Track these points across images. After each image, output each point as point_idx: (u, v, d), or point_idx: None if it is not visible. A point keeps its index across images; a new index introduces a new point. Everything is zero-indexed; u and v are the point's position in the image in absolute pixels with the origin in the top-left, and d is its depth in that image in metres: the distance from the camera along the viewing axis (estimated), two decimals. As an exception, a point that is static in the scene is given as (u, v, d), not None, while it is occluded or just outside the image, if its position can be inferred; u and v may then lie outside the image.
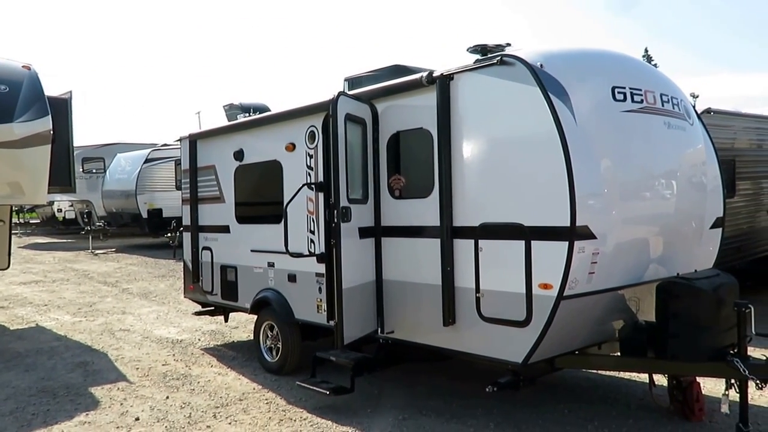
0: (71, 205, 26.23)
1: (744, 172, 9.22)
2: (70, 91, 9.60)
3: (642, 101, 4.83)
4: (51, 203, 25.80)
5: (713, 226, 5.59)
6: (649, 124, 4.90)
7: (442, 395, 5.80)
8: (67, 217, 26.91)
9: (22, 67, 8.67)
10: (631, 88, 4.78)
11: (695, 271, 4.97)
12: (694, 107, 5.80)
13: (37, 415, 5.70)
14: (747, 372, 4.27)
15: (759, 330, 4.52)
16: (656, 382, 5.25)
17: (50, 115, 8.45)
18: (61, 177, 9.22)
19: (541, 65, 4.45)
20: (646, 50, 50.17)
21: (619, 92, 4.72)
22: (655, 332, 4.65)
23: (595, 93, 4.65)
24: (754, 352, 4.61)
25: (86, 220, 24.55)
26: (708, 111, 8.15)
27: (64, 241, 25.35)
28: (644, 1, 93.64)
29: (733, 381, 4.46)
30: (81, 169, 23.52)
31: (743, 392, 4.42)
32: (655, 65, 38.70)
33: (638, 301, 4.95)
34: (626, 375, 6.18)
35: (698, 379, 5.06)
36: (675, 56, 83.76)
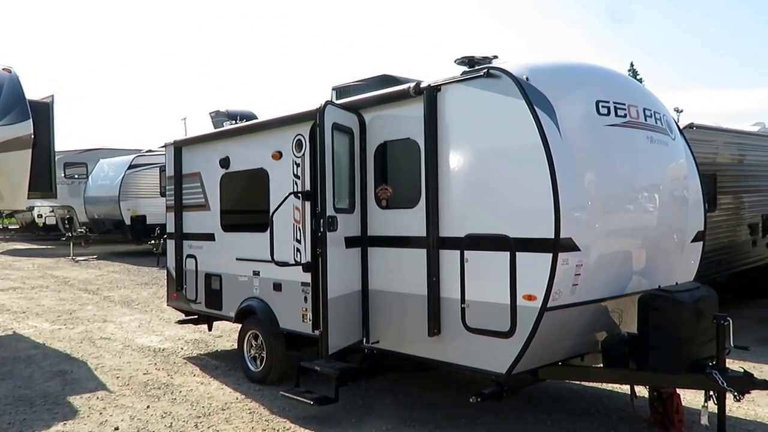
0: (52, 211, 25.92)
1: (725, 187, 9.37)
2: (52, 95, 9.52)
3: (626, 116, 4.90)
4: (31, 209, 25.50)
5: (694, 240, 5.67)
6: (633, 139, 4.97)
7: (426, 406, 5.80)
8: (47, 222, 26.57)
9: (3, 69, 8.59)
10: (615, 103, 4.85)
11: (676, 283, 5.03)
12: (677, 122, 5.90)
13: (13, 424, 5.60)
14: (725, 384, 4.33)
15: (737, 343, 4.59)
16: (637, 394, 5.29)
17: (31, 119, 8.37)
18: (41, 182, 9.12)
19: (527, 78, 4.51)
20: (632, 65, 50.82)
21: (603, 106, 4.79)
22: (637, 344, 4.71)
23: (580, 107, 4.72)
24: (733, 365, 4.68)
25: (67, 226, 24.23)
26: (690, 126, 8.28)
27: (44, 247, 25.01)
28: (637, 15, 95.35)
29: (711, 393, 4.53)
30: (63, 175, 23.25)
31: (721, 404, 4.49)
32: (640, 80, 39.22)
33: (621, 313, 5.00)
34: (608, 386, 6.23)
35: (678, 390, 5.11)
36: (661, 71, 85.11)
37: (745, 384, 4.41)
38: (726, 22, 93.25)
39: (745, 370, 4.50)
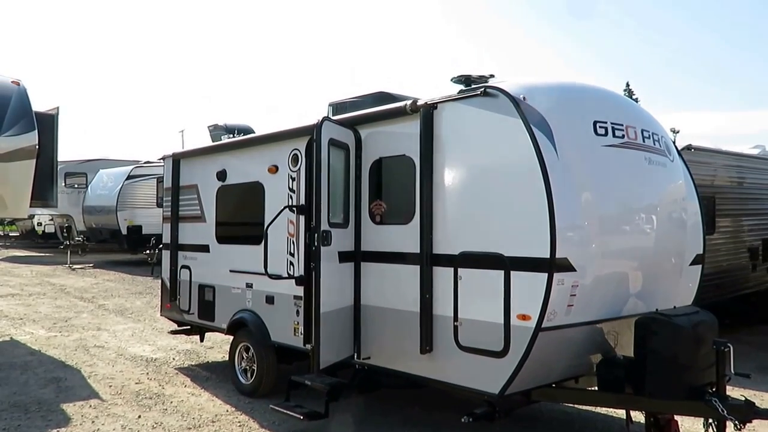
0: (51, 219, 25.97)
1: (724, 209, 9.28)
2: (57, 107, 9.59)
3: (623, 136, 4.87)
4: (31, 217, 25.53)
5: (693, 263, 5.61)
6: (630, 160, 4.94)
7: (416, 424, 5.72)
8: (46, 230, 26.62)
9: (12, 82, 8.71)
10: (612, 123, 4.82)
11: (674, 307, 4.96)
12: (674, 143, 5.86)
13: (8, 430, 5.58)
14: (725, 412, 4.21)
15: (738, 370, 4.48)
16: (633, 419, 5.19)
17: (36, 131, 8.46)
18: (43, 192, 9.19)
19: (524, 98, 4.49)
20: (628, 85, 50.51)
21: (600, 127, 4.76)
22: (633, 368, 4.61)
23: (577, 127, 4.69)
24: (733, 392, 4.58)
25: (66, 234, 24.23)
26: (689, 147, 8.23)
27: (43, 254, 24.99)
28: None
29: (711, 421, 4.41)
30: (63, 184, 23.28)
31: (721, 433, 4.38)
32: (636, 100, 39.22)
33: (617, 336, 4.93)
34: (603, 410, 6.13)
35: (676, 417, 5.02)
36: (656, 92, 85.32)
37: (746, 413, 4.28)
38: (724, 44, 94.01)
39: (746, 398, 4.39)
